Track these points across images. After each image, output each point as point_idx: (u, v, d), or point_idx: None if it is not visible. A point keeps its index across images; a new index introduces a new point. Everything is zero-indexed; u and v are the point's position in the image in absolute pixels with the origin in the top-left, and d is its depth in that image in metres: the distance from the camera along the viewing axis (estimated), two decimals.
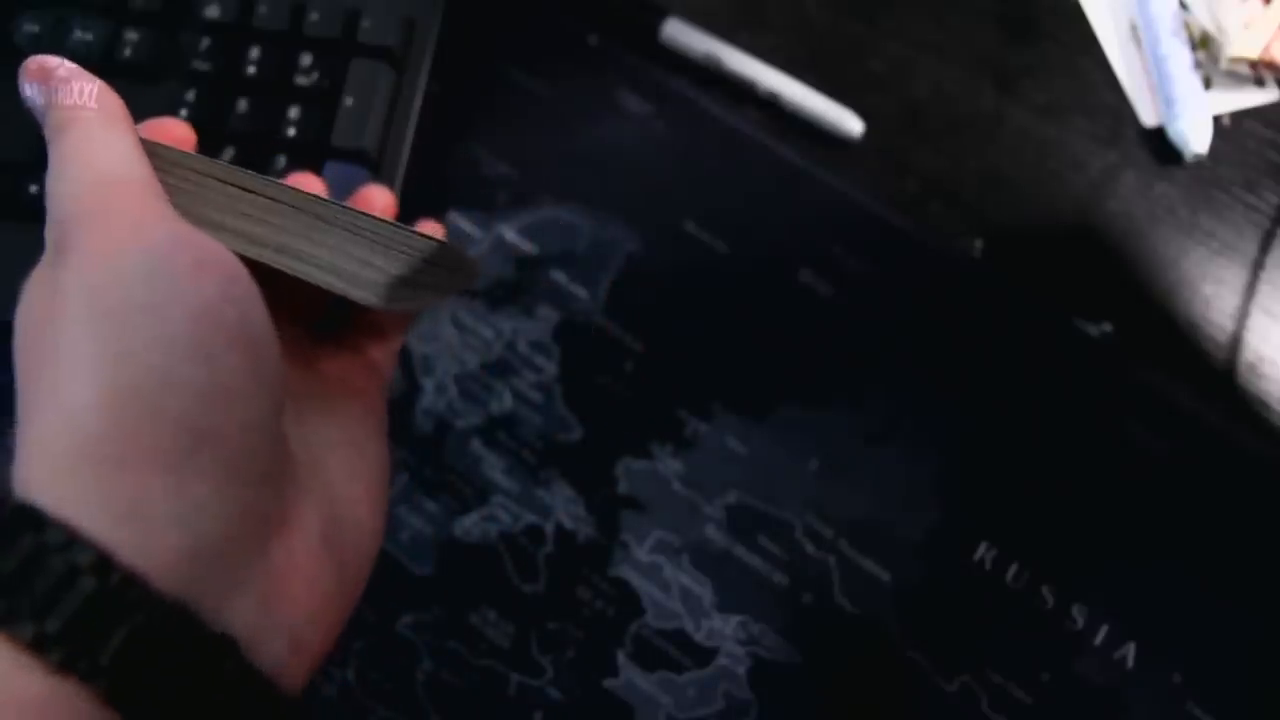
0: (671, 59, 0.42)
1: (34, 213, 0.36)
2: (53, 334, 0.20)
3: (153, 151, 0.24)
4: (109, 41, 0.38)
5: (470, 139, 0.41)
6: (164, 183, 0.24)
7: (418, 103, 0.39)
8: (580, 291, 0.39)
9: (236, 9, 0.38)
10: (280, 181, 0.24)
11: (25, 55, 0.37)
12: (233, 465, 0.20)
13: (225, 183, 0.24)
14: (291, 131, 0.37)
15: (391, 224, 0.24)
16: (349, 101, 0.37)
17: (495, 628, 0.36)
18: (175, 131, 0.27)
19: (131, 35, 0.38)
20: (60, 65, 0.24)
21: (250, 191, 0.24)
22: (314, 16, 0.38)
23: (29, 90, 0.24)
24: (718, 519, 0.37)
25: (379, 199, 0.32)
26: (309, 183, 0.31)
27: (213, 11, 0.38)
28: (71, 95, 0.24)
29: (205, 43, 0.38)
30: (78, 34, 0.37)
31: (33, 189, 0.36)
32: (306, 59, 0.38)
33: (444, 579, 0.37)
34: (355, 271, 0.24)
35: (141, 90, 0.38)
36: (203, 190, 0.24)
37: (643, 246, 0.40)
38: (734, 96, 0.42)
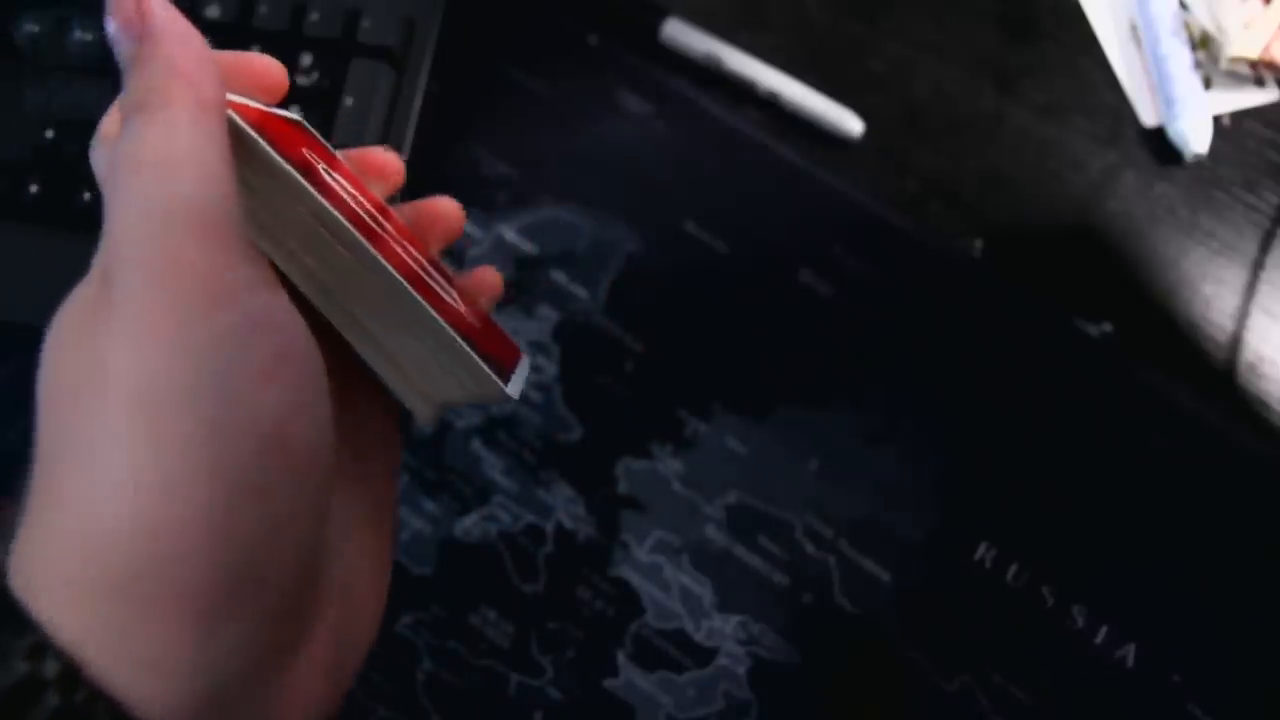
0: (671, 59, 0.42)
1: (34, 213, 0.36)
2: (89, 399, 0.17)
3: (252, 150, 0.20)
4: (109, 41, 0.38)
5: (470, 139, 0.41)
6: (245, 183, 0.20)
7: (418, 103, 0.39)
8: (580, 291, 0.39)
9: (236, 9, 0.38)
10: (382, 257, 0.21)
11: (25, 55, 0.38)
12: (271, 608, 0.18)
13: (321, 225, 0.21)
14: None
15: (472, 355, 0.22)
16: (349, 101, 0.37)
17: (495, 628, 0.36)
18: (256, 66, 0.23)
19: None
20: (156, 24, 0.19)
21: (344, 248, 0.21)
22: (314, 16, 0.38)
23: (113, 28, 0.20)
24: (718, 519, 0.37)
25: (489, 282, 0.27)
26: (440, 210, 0.27)
27: (213, 11, 0.38)
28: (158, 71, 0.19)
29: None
30: (78, 34, 0.37)
31: (33, 189, 0.36)
32: (306, 59, 0.38)
33: (444, 579, 0.37)
34: (418, 382, 0.22)
35: None
36: (289, 214, 0.21)
37: (643, 246, 0.40)
38: (734, 96, 0.42)
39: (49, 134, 0.36)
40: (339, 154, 0.26)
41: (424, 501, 0.37)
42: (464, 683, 0.36)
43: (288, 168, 0.20)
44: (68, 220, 0.36)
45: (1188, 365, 0.39)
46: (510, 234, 0.40)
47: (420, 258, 0.24)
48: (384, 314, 0.22)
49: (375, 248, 0.21)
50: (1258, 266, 0.40)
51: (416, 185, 0.39)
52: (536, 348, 0.39)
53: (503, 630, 0.36)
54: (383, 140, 0.38)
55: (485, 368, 0.22)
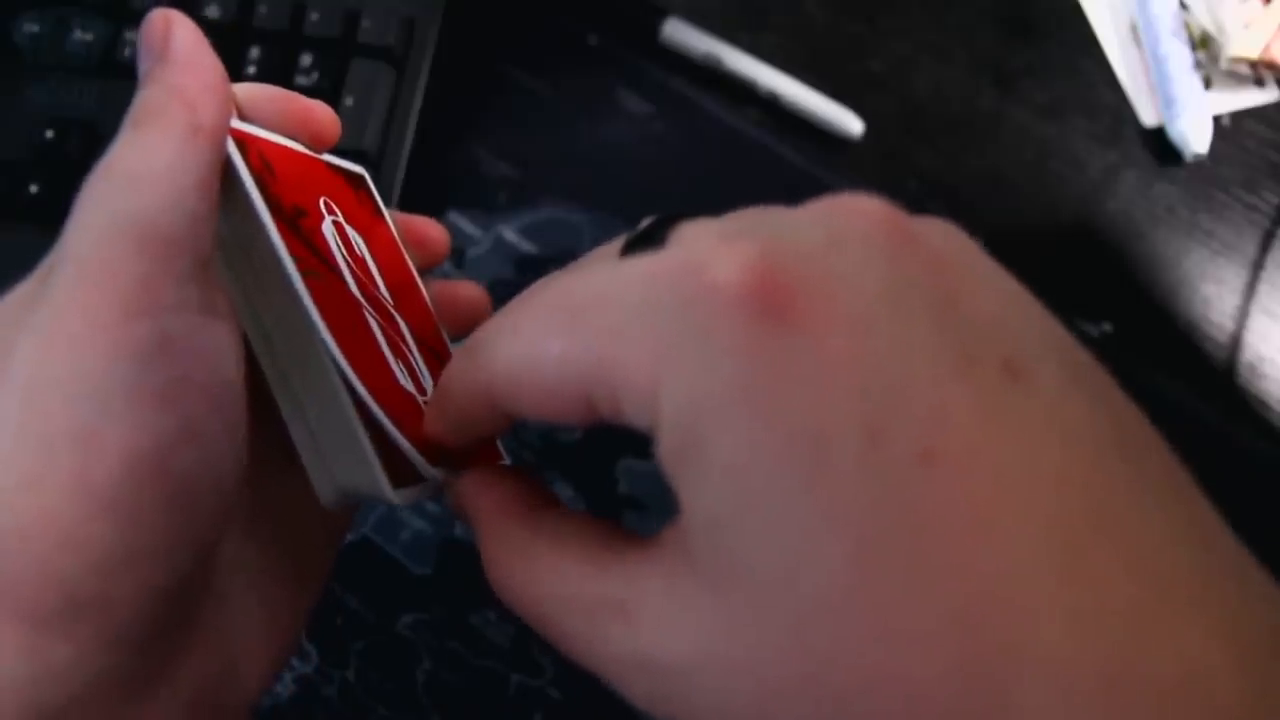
0: (671, 59, 0.42)
1: (34, 213, 0.36)
2: None
3: (234, 182, 0.20)
4: (109, 41, 0.38)
5: (470, 139, 0.41)
6: (229, 217, 0.20)
7: (418, 103, 0.39)
8: None
9: (236, 9, 0.38)
10: (328, 334, 0.20)
11: (25, 55, 0.38)
12: (114, 632, 0.17)
13: (279, 283, 0.20)
14: None
15: (365, 443, 0.20)
16: (349, 101, 0.37)
17: (495, 628, 0.36)
18: (311, 111, 0.23)
19: (131, 35, 0.38)
20: (175, 48, 0.19)
21: (287, 298, 0.20)
22: (314, 16, 0.38)
23: (140, 49, 0.20)
24: None
25: (468, 295, 0.27)
26: (426, 228, 0.26)
27: (213, 11, 0.38)
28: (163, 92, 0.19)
29: None
30: (78, 34, 0.37)
31: (33, 189, 0.36)
32: (306, 59, 0.38)
33: (444, 579, 0.37)
34: (329, 461, 0.21)
35: None
36: (258, 255, 0.20)
37: None
38: (734, 96, 0.42)
39: (49, 134, 0.36)
40: (389, 215, 0.25)
41: (424, 501, 0.37)
42: (464, 683, 0.36)
43: (255, 202, 0.20)
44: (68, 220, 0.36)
45: (1188, 365, 0.39)
46: (510, 234, 0.40)
47: (401, 338, 0.23)
48: (310, 379, 0.21)
49: (319, 305, 0.20)
50: (1258, 266, 0.40)
51: (417, 185, 0.39)
52: None
53: (503, 630, 0.36)
54: (383, 140, 0.38)
55: (373, 460, 0.20)
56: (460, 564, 0.37)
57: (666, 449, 0.16)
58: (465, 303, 0.26)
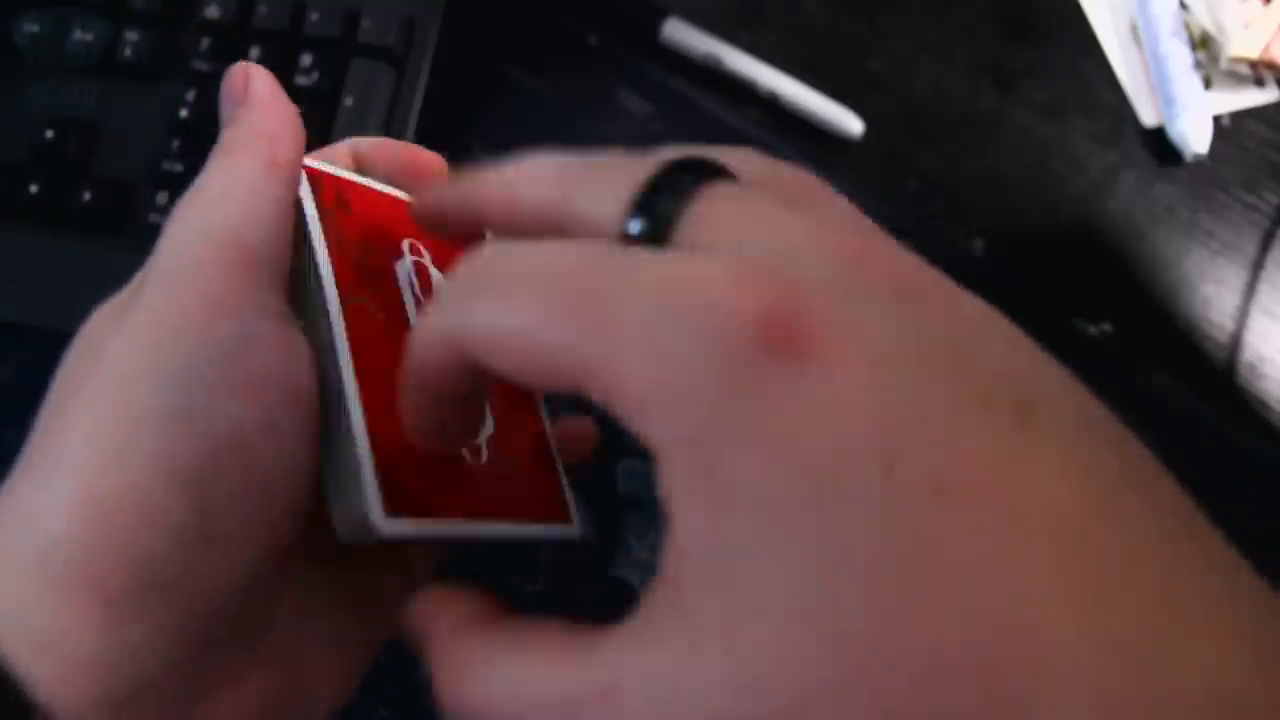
0: (671, 59, 0.42)
1: (34, 213, 0.36)
2: (80, 380, 0.18)
3: (306, 232, 0.21)
4: (109, 41, 0.38)
5: (470, 139, 0.41)
6: (295, 247, 0.21)
7: (418, 103, 0.39)
8: None
9: (236, 9, 0.38)
10: (348, 359, 0.20)
11: (25, 55, 0.38)
12: (185, 617, 0.17)
13: (320, 306, 0.21)
14: None
15: (362, 464, 0.20)
16: (349, 101, 0.37)
17: None
18: (422, 159, 0.25)
19: (131, 35, 0.38)
20: (254, 92, 0.22)
21: (329, 333, 0.21)
22: (314, 16, 0.38)
23: (222, 96, 0.22)
24: None
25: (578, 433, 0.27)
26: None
27: (213, 11, 0.38)
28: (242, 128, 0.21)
29: (205, 43, 0.38)
30: (78, 34, 0.37)
31: (33, 189, 0.36)
32: (306, 59, 0.38)
33: (442, 578, 0.36)
34: (342, 485, 0.20)
35: (141, 90, 0.38)
36: (309, 287, 0.21)
37: None
38: (734, 96, 0.42)
39: (49, 134, 0.36)
40: None
41: None
42: None
43: (311, 228, 0.21)
44: (68, 220, 0.36)
45: (1188, 365, 0.39)
46: None
47: None
48: (333, 406, 0.20)
49: (353, 333, 0.21)
50: (1258, 266, 0.40)
51: None
52: None
53: None
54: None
55: (371, 487, 0.19)
56: (459, 563, 0.37)
57: (672, 474, 0.15)
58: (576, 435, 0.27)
